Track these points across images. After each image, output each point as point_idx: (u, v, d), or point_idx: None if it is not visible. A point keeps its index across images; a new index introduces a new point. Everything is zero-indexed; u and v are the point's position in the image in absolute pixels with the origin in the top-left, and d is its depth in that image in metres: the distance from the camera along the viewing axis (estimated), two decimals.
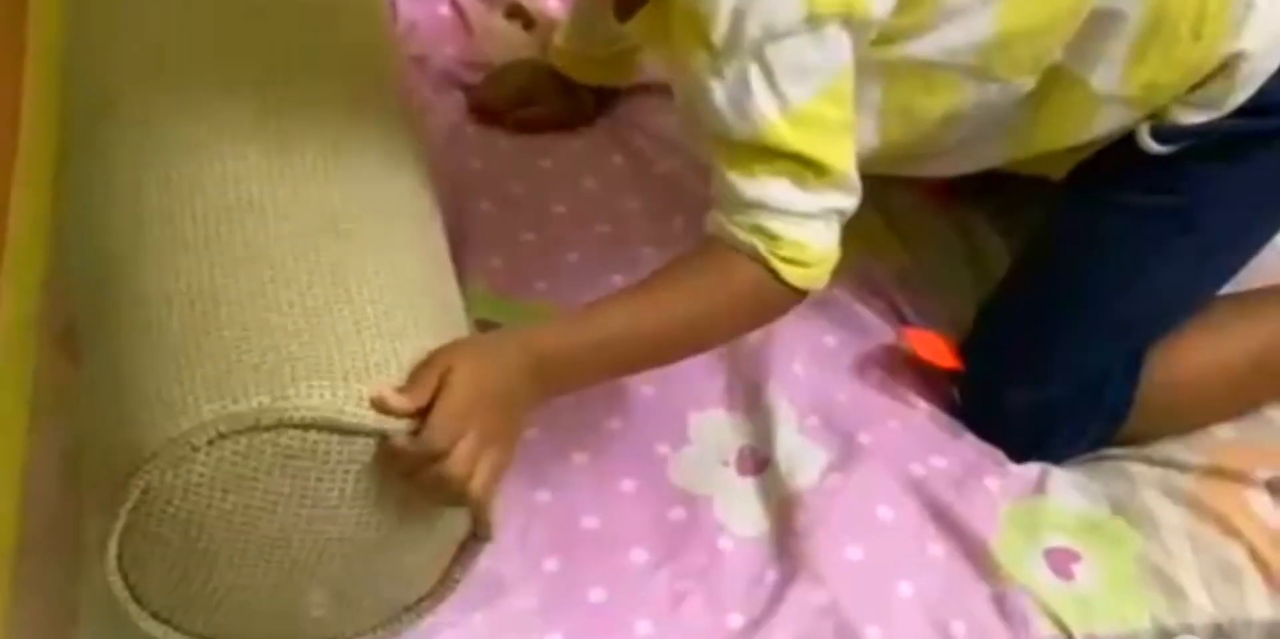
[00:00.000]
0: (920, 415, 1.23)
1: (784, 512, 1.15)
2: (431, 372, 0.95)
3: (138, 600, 0.99)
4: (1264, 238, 1.26)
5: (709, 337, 1.09)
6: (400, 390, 0.94)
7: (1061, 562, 1.15)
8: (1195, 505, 1.18)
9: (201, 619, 1.00)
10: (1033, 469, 1.22)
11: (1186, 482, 1.20)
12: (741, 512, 1.15)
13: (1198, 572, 1.14)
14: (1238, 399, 1.26)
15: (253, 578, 0.97)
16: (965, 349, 1.24)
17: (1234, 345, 1.25)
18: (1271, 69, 1.16)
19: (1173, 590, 1.13)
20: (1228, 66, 1.15)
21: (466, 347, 0.99)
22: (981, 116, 1.15)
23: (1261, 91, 1.16)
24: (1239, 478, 1.19)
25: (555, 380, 1.02)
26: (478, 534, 1.02)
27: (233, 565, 0.96)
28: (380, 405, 0.93)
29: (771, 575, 1.11)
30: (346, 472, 0.94)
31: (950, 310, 1.30)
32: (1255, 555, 1.15)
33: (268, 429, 0.92)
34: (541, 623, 1.08)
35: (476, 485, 0.95)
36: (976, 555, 1.14)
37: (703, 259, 1.05)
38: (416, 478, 0.94)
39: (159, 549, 0.95)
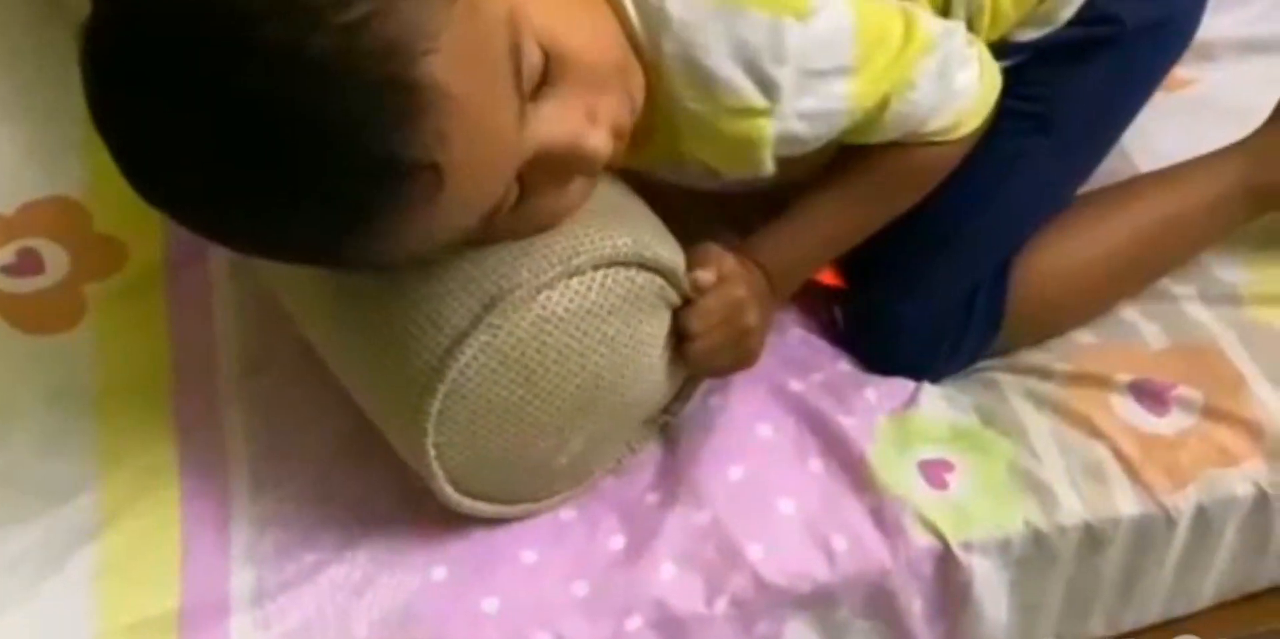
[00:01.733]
0: (796, 338, 1.25)
1: (665, 435, 1.16)
2: (711, 253, 1.07)
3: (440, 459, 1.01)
4: (1113, 135, 1.29)
5: (904, 206, 1.18)
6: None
7: (935, 472, 1.16)
8: (1061, 410, 1.20)
9: (478, 478, 1.04)
10: (907, 383, 1.23)
11: (1051, 388, 1.22)
12: None
13: (1066, 474, 1.17)
14: (1099, 300, 1.29)
15: (543, 425, 1.02)
16: (845, 267, 1.25)
17: (1092, 246, 1.27)
18: None
19: (1043, 494, 1.15)
20: None
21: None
22: None
23: (1090, 4, 1.20)
24: (1101, 382, 1.22)
25: (784, 290, 1.16)
26: (670, 409, 1.13)
27: (539, 411, 1.01)
28: (701, 260, 1.06)
29: (653, 498, 1.12)
30: (665, 322, 1.04)
31: None
32: (1120, 455, 1.17)
33: (628, 265, 1.00)
34: (426, 556, 1.08)
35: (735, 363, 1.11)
36: (854, 469, 1.15)
37: (884, 157, 1.12)
38: (704, 338, 1.07)
39: (483, 398, 0.99)
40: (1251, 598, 1.26)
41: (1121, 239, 1.28)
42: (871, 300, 1.24)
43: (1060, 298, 1.27)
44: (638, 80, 1.00)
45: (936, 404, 1.22)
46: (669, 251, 1.04)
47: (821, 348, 1.25)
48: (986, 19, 1.17)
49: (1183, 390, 1.21)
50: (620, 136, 0.97)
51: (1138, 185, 1.31)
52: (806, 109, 1.05)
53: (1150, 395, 1.21)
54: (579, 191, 0.99)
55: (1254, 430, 1.19)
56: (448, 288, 0.98)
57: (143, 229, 1.27)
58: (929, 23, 1.10)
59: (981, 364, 1.26)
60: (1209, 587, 1.23)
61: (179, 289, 1.24)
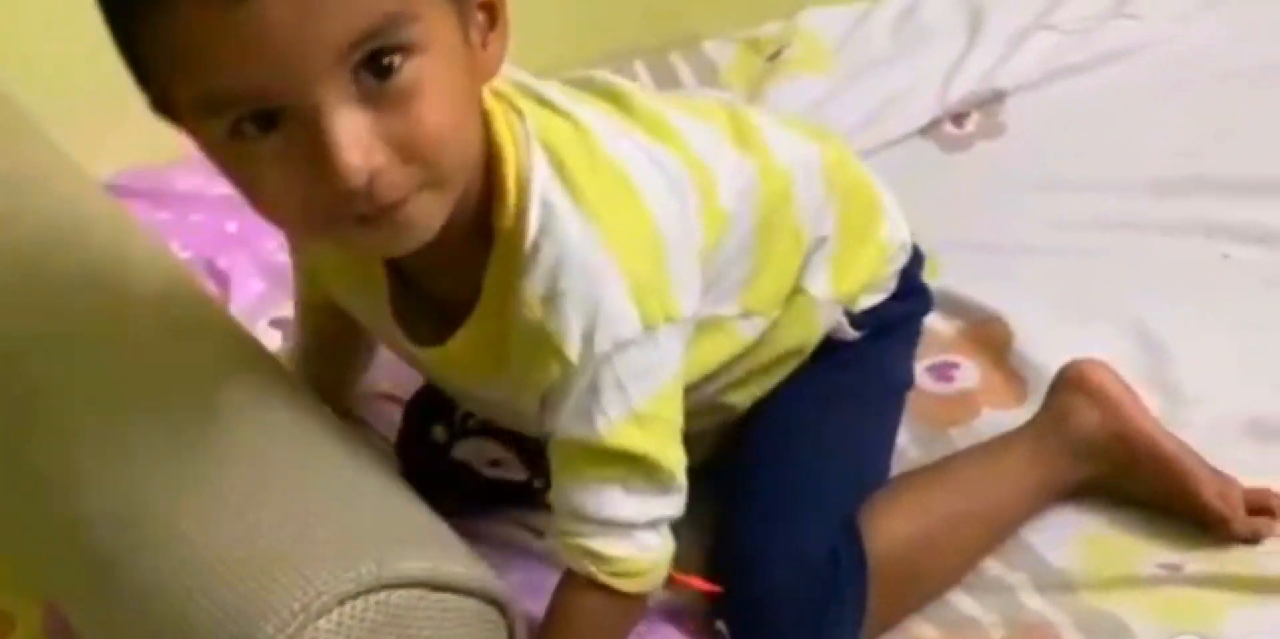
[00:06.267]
0: None
1: None
2: None
3: None
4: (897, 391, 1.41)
5: None
6: None
7: None
8: None
9: None
10: None
11: None
12: None
13: None
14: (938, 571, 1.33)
15: None
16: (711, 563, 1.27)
17: (928, 512, 1.33)
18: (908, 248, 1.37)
19: None
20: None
21: None
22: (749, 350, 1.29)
23: (903, 275, 1.36)
24: None
25: None
26: None
27: None
28: None
29: None
30: (445, 627, 1.04)
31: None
32: None
33: (375, 590, 1.00)
34: None
35: None
36: None
37: (561, 592, 1.14)
38: None
39: None
40: None
41: (946, 525, 1.33)
42: (742, 590, 1.24)
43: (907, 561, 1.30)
44: (454, 186, 1.00)
45: None
46: (434, 560, 1.04)
47: None
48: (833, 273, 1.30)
49: None
50: (390, 190, 0.95)
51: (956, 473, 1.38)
52: (584, 401, 1.07)
53: None
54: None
55: None
56: None
57: (27, 603, 1.34)
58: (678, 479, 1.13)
59: None
60: None
61: None
